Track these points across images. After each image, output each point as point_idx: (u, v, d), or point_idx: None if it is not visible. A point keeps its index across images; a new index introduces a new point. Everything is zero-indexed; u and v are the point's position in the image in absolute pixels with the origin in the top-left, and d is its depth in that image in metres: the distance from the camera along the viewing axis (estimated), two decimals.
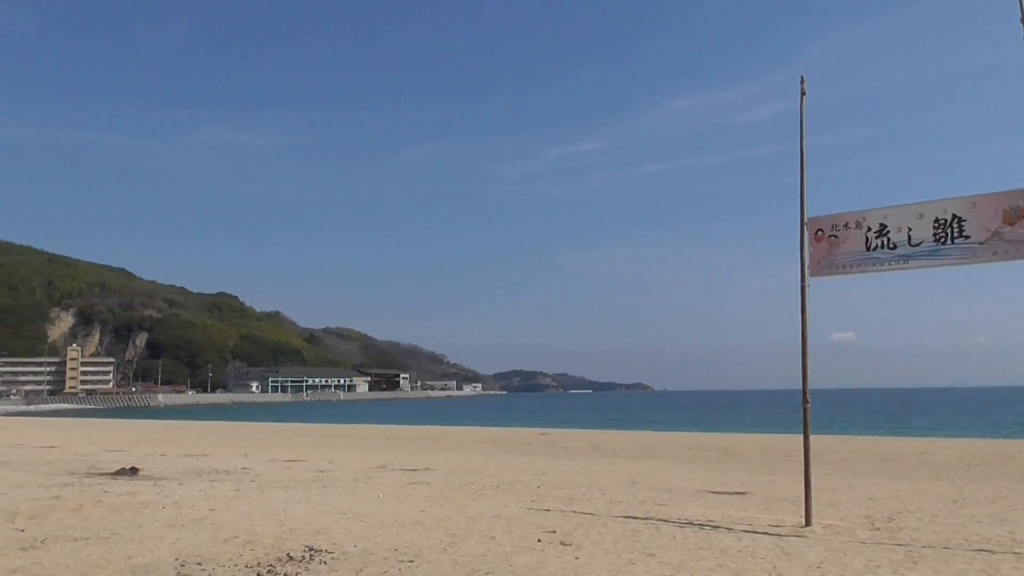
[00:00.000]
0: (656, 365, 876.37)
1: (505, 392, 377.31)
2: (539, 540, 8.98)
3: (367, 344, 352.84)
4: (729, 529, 9.87)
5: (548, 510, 11.55)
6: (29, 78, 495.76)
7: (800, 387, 10.27)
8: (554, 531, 9.59)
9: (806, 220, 10.41)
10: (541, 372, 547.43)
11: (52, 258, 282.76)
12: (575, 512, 11.32)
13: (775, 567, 7.56)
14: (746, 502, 12.90)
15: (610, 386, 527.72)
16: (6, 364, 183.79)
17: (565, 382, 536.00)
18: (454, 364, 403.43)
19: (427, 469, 18.69)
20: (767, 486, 15.57)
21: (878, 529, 10.01)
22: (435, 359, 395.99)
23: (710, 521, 10.57)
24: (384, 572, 7.34)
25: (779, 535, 9.39)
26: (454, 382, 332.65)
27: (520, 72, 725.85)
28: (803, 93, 10.73)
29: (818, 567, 7.57)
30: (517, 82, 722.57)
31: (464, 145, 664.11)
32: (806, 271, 10.31)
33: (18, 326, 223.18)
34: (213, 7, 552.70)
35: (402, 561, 7.79)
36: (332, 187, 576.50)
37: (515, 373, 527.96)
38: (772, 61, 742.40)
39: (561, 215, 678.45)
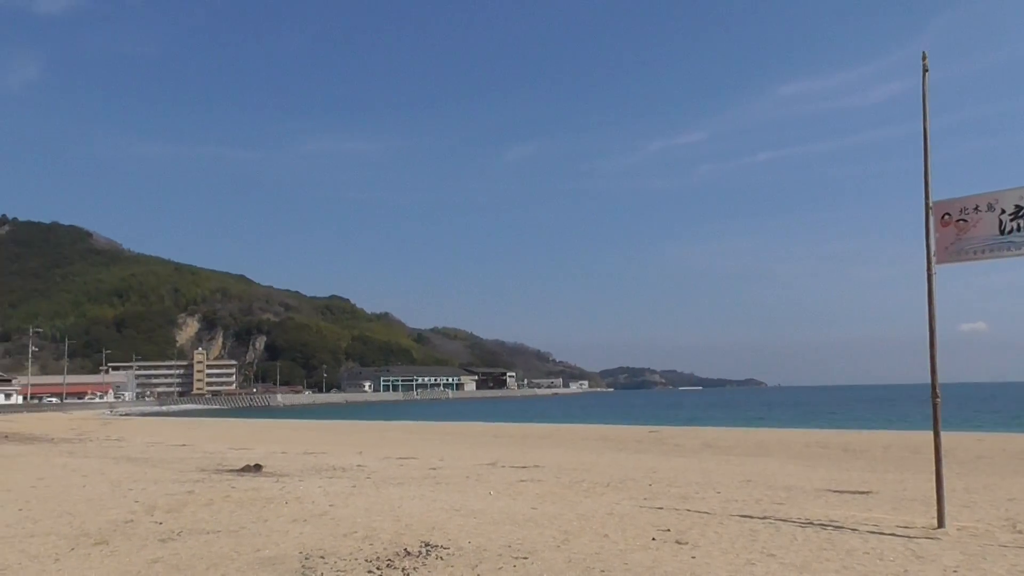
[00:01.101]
0: (769, 360, 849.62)
1: (612, 389, 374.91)
2: (653, 538, 8.84)
3: (473, 343, 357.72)
4: (854, 530, 9.43)
5: (661, 508, 11.37)
6: (154, 98, 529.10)
7: (927, 381, 9.71)
8: (668, 529, 9.42)
9: (931, 204, 9.81)
10: (649, 369, 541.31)
11: (178, 267, 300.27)
12: (689, 510, 11.10)
13: (906, 571, 7.17)
14: (871, 502, 12.31)
15: (721, 382, 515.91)
16: (141, 368, 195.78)
17: (674, 379, 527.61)
18: (560, 362, 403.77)
19: (537, 466, 18.74)
20: (894, 485, 14.82)
21: (1020, 532, 9.35)
22: (541, 357, 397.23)
23: (832, 521, 10.13)
24: (499, 568, 7.39)
25: (909, 537, 8.90)
26: (560, 380, 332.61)
27: (621, 65, 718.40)
28: (925, 70, 10.12)
29: (954, 571, 7.13)
30: (618, 76, 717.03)
31: (566, 142, 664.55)
32: (932, 258, 9.73)
33: (150, 332, 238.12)
34: (316, 22, 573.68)
35: (516, 558, 7.83)
36: (437, 189, 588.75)
37: (622, 370, 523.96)
38: (889, 39, 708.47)
39: (667, 208, 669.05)
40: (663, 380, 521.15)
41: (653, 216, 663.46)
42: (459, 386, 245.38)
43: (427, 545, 8.51)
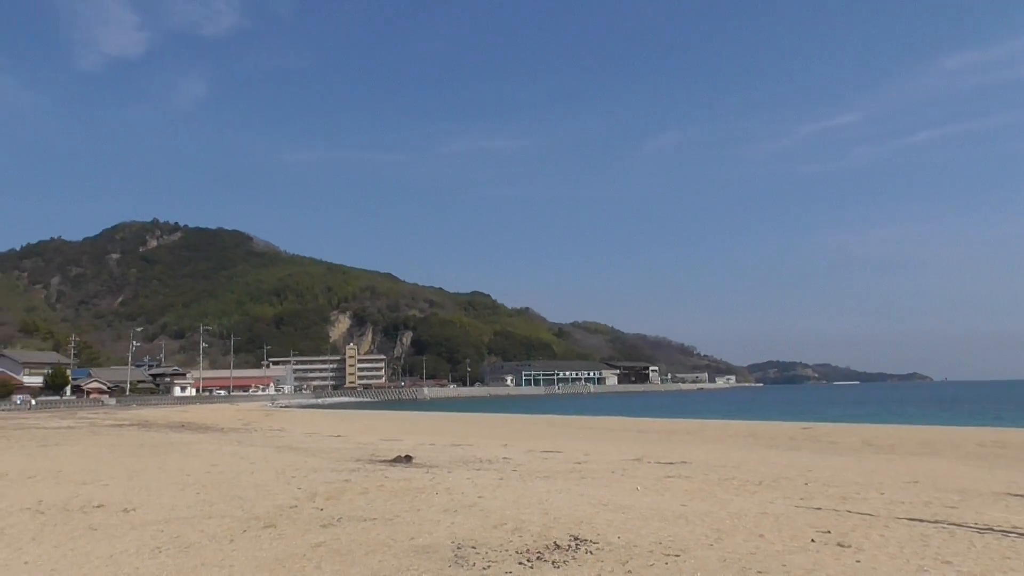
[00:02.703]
0: (935, 353, 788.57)
1: (761, 384, 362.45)
2: (812, 540, 8.43)
3: (614, 337, 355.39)
4: None
5: (819, 508, 10.83)
6: (307, 108, 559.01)
7: None
8: (829, 531, 8.95)
9: None
10: (800, 363, 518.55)
11: (330, 267, 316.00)
12: (850, 512, 10.51)
13: None
14: None
15: (880, 377, 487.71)
16: (298, 362, 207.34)
17: (828, 373, 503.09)
18: (705, 356, 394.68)
19: (684, 463, 18.34)
20: None
21: None
22: (684, 351, 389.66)
23: (1015, 528, 9.31)
24: (650, 565, 7.26)
25: None
26: (705, 374, 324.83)
27: (766, 48, 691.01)
28: None
29: None
30: (763, 59, 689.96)
31: (709, 129, 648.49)
32: None
33: (306, 328, 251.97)
34: (457, 27, 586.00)
35: (667, 555, 7.67)
36: (577, 184, 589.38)
37: (771, 364, 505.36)
38: None
39: (819, 194, 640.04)
40: (816, 374, 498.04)
41: (804, 202, 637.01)
42: (600, 380, 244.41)
43: (576, 539, 8.49)
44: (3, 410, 77.23)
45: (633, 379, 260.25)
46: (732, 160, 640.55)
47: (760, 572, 6.95)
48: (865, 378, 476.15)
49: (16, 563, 7.85)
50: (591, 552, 7.85)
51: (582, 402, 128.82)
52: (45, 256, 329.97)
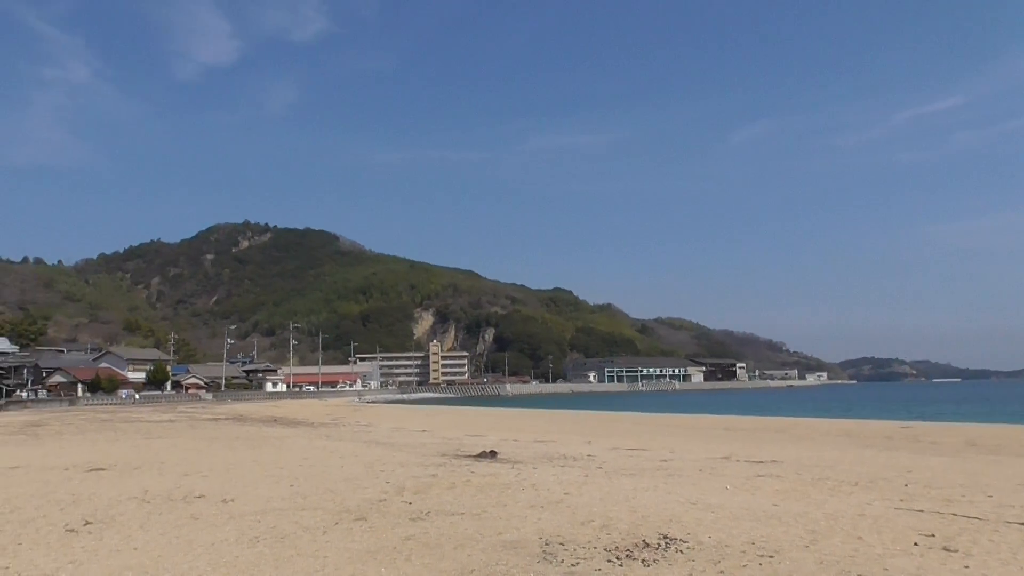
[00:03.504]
0: None
1: (854, 382, 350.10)
2: (915, 543, 8.07)
3: (700, 333, 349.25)
4: None
5: (921, 511, 10.36)
6: (391, 109, 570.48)
7: None
8: (932, 535, 8.56)
9: None
10: (897, 359, 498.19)
11: (413, 265, 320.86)
12: (955, 515, 10.02)
13: None
14: None
15: (983, 374, 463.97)
16: (384, 359, 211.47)
17: (927, 370, 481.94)
18: (794, 352, 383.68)
19: (774, 461, 17.86)
20: None
21: None
22: (773, 347, 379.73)
23: None
24: (743, 566, 7.09)
25: None
26: (795, 371, 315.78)
27: (856, 32, 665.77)
28: None
29: None
30: (855, 44, 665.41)
31: (798, 119, 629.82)
32: None
33: (391, 325, 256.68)
34: (538, 25, 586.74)
35: (761, 556, 7.47)
36: (660, 178, 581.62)
37: (866, 360, 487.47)
38: None
39: (916, 183, 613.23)
40: (914, 371, 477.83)
41: (899, 192, 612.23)
42: (686, 377, 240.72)
43: (665, 537, 8.36)
44: (111, 404, 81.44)
45: (719, 376, 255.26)
46: (824, 150, 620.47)
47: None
48: (967, 375, 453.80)
49: (126, 549, 8.24)
50: (681, 551, 7.72)
51: (666, 399, 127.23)
52: (146, 258, 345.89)
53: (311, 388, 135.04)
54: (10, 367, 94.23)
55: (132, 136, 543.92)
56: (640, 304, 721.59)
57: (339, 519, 9.77)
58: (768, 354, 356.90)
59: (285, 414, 55.55)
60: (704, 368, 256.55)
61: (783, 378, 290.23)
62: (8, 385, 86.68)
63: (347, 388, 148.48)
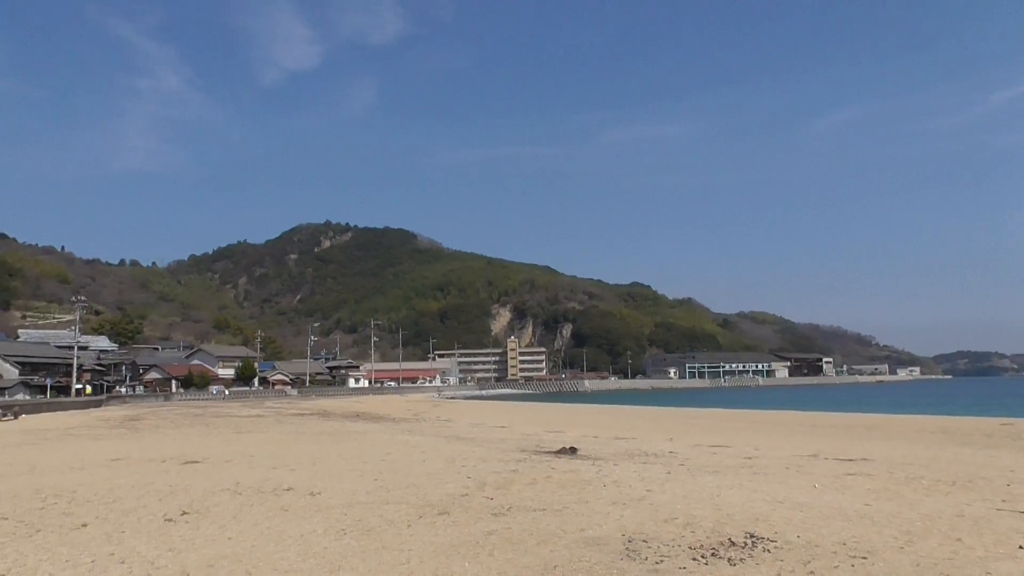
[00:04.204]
0: None
1: (950, 376, 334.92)
2: (1020, 547, 7.67)
3: (784, 327, 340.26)
4: None
5: None
6: (467, 107, 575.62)
7: None
8: None
9: None
10: (996, 352, 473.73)
11: (490, 261, 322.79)
12: None
13: None
14: None
15: None
16: (462, 355, 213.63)
17: None
18: (884, 346, 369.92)
19: (864, 459, 17.26)
20: None
21: None
22: (861, 341, 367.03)
23: None
24: (835, 567, 6.87)
25: None
26: (885, 366, 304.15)
27: (948, 10, 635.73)
28: None
29: None
30: (947, 23, 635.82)
31: (887, 104, 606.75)
32: None
33: (468, 322, 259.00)
34: (611, 17, 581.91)
35: (853, 557, 7.23)
36: (740, 169, 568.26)
37: (961, 354, 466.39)
38: None
39: (1016, 167, 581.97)
40: (1015, 365, 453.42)
41: (998, 177, 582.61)
42: (769, 373, 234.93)
43: (752, 536, 8.18)
44: (202, 399, 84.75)
45: (805, 371, 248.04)
46: (913, 135, 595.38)
47: None
48: None
49: (221, 538, 8.55)
50: (768, 551, 7.54)
51: (750, 395, 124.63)
52: (233, 258, 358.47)
53: (392, 384, 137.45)
54: (110, 364, 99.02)
55: (219, 141, 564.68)
56: (721, 298, 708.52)
57: (422, 513, 9.90)
58: (856, 348, 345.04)
59: (367, 409, 56.73)
60: (789, 363, 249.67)
61: (872, 373, 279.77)
62: (108, 381, 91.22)
63: (427, 384, 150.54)
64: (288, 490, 12.26)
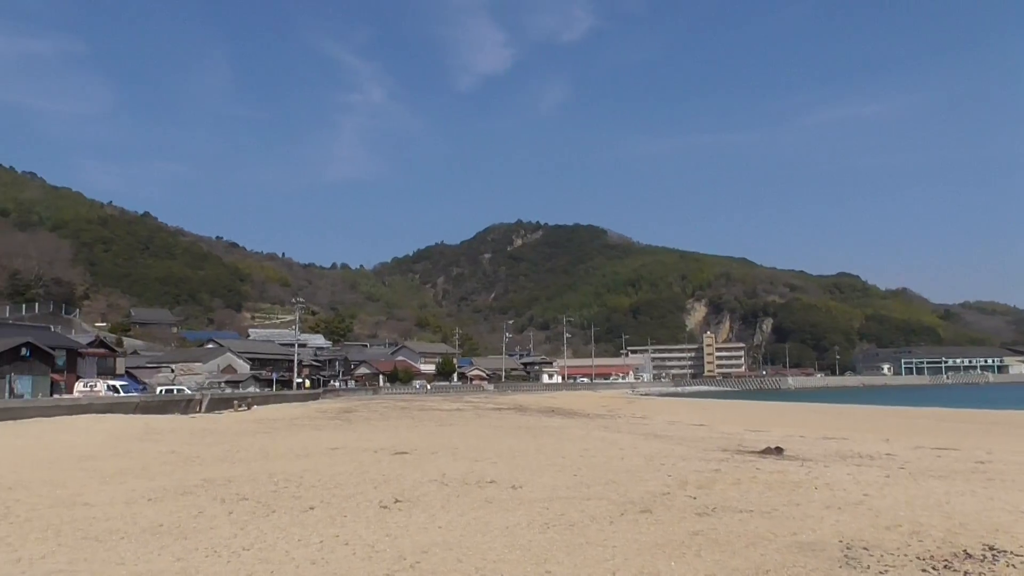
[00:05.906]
0: None
1: None
2: None
3: (1018, 318, 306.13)
4: None
5: None
6: (658, 97, 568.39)
7: None
8: None
9: None
10: None
11: (683, 255, 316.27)
12: None
13: None
14: None
15: None
16: (656, 351, 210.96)
17: None
18: None
19: None
20: None
21: None
22: None
23: None
24: None
25: None
26: None
27: None
28: None
29: None
30: None
31: None
32: None
33: (661, 317, 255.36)
34: None
35: None
36: (966, 145, 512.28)
37: None
38: None
39: None
40: None
41: None
42: (1001, 368, 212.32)
43: (991, 549, 7.40)
44: (407, 393, 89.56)
45: None
46: None
47: None
48: None
49: (432, 527, 8.95)
50: (1013, 565, 6.78)
51: (979, 392, 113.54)
52: (432, 259, 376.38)
53: (584, 380, 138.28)
54: (325, 360, 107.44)
55: (418, 147, 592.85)
56: (942, 287, 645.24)
57: (624, 510, 9.83)
58: None
59: (562, 405, 57.46)
60: None
61: None
62: (324, 376, 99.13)
63: (620, 380, 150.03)
64: (491, 483, 12.62)
